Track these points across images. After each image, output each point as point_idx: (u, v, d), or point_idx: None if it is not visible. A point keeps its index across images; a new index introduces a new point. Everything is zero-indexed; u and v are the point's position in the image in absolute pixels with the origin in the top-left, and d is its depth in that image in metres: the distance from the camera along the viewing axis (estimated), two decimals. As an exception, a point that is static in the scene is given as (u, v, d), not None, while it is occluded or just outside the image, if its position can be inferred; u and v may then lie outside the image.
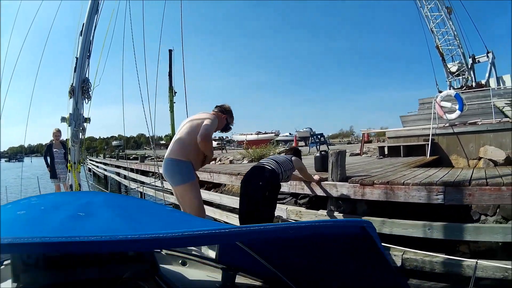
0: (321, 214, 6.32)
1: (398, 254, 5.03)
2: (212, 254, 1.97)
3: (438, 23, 22.96)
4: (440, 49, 23.19)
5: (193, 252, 2.16)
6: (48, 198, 2.11)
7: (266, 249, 1.62)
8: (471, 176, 6.28)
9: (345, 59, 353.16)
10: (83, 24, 6.40)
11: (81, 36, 6.40)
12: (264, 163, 5.06)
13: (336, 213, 6.13)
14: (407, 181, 5.64)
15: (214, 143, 38.20)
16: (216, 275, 1.82)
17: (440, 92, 15.40)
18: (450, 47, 23.28)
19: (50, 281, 1.70)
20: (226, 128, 4.95)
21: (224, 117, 4.81)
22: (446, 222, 5.11)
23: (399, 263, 5.00)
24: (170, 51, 33.15)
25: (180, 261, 2.00)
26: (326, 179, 6.40)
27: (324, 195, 6.39)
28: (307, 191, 6.67)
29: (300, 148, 28.44)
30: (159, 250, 2.02)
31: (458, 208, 6.10)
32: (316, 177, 6.35)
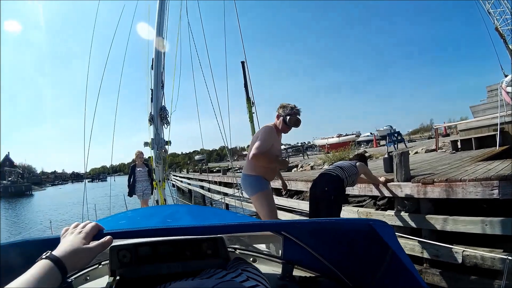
0: (388, 215, 6.54)
1: (459, 251, 5.23)
2: (279, 253, 2.34)
3: (494, 3, 21.84)
4: (500, 31, 22.01)
5: (264, 252, 2.51)
6: (140, 211, 2.58)
7: (320, 246, 1.88)
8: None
9: (411, 50, 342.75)
10: (152, 59, 7.11)
11: (152, 69, 7.11)
12: (331, 170, 5.49)
13: (402, 213, 6.34)
14: (464, 177, 5.73)
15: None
16: (279, 269, 2.12)
17: (506, 76, 14.50)
18: (509, 27, 22.06)
19: (140, 275, 2.08)
20: (287, 122, 4.89)
21: (279, 120, 4.93)
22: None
23: (460, 261, 5.21)
24: (243, 62, 33.29)
25: (251, 259, 2.36)
26: (392, 180, 6.64)
27: (392, 195, 6.64)
28: (375, 192, 6.93)
29: (381, 146, 27.71)
30: (233, 250, 2.44)
31: None
32: (382, 179, 6.62)
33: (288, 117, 4.86)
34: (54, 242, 1.18)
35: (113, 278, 2.03)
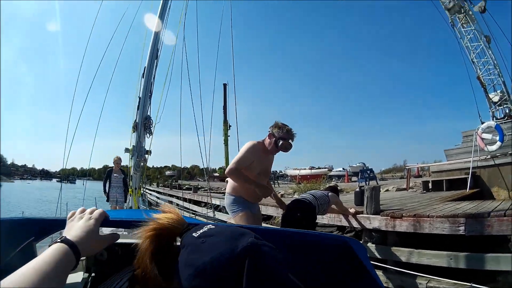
0: None
1: (423, 282, 5.40)
2: None
3: (479, 53, 22.49)
4: (482, 80, 22.61)
5: None
6: (124, 211, 2.58)
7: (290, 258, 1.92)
8: (495, 208, 6.59)
9: (393, 91, 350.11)
10: (145, 67, 7.22)
11: (143, 78, 7.21)
12: (304, 196, 5.59)
13: (369, 244, 6.49)
14: (432, 213, 5.93)
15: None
16: None
17: (483, 123, 15.13)
18: (491, 77, 22.63)
19: (115, 272, 2.16)
20: (278, 145, 4.56)
21: (270, 140, 4.59)
22: (480, 252, 5.31)
23: None
24: (225, 85, 33.39)
25: None
26: (362, 212, 6.79)
27: (359, 227, 6.81)
28: (344, 223, 7.09)
29: (353, 182, 27.93)
30: None
31: (496, 238, 6.01)
32: (352, 210, 6.79)
33: (281, 141, 4.54)
34: (59, 224, 1.23)
35: (88, 274, 2.07)
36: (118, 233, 1.26)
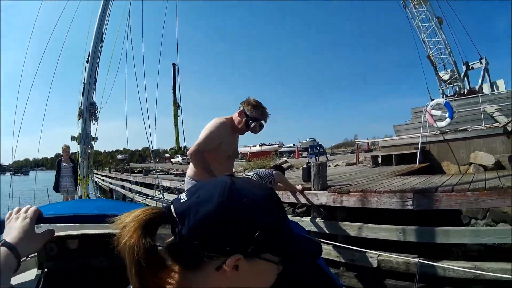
0: (305, 220, 6.76)
1: (374, 255, 5.53)
2: None
3: (430, 33, 23.04)
4: (432, 59, 23.17)
5: None
6: (69, 203, 2.55)
7: None
8: (443, 183, 6.79)
9: (347, 70, 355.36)
10: (89, 52, 7.03)
11: (87, 63, 7.02)
12: (249, 176, 5.58)
13: (318, 219, 6.59)
14: (380, 188, 6.11)
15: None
16: None
17: (432, 100, 15.42)
18: (441, 56, 23.24)
19: (68, 268, 2.10)
20: (250, 127, 3.99)
21: (241, 119, 3.99)
22: (429, 226, 5.50)
23: (375, 265, 5.51)
24: (174, 65, 33.11)
25: None
26: (309, 189, 6.85)
27: (308, 203, 6.91)
28: (293, 199, 7.09)
29: (303, 158, 28.19)
30: None
31: (445, 213, 6.49)
32: (299, 187, 6.84)
33: (253, 123, 3.97)
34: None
35: (41, 270, 2.05)
36: (53, 228, 1.25)
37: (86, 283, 2.13)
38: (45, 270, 2.06)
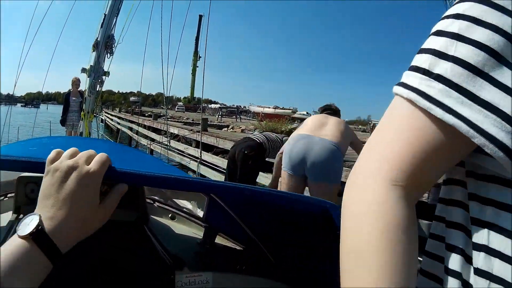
0: None
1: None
2: (200, 214, 2.01)
3: None
4: None
5: (184, 209, 2.16)
6: (58, 140, 2.14)
7: (248, 217, 1.62)
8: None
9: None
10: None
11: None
12: (256, 136, 5.50)
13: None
14: None
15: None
16: (200, 233, 1.84)
17: None
18: None
19: None
20: None
21: None
22: None
23: None
24: (200, 16, 33.30)
25: (169, 215, 2.03)
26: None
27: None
28: None
29: None
30: (152, 202, 2.06)
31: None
32: None
33: None
34: (35, 168, 0.74)
35: (16, 215, 1.62)
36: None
37: None
38: (21, 216, 1.58)
